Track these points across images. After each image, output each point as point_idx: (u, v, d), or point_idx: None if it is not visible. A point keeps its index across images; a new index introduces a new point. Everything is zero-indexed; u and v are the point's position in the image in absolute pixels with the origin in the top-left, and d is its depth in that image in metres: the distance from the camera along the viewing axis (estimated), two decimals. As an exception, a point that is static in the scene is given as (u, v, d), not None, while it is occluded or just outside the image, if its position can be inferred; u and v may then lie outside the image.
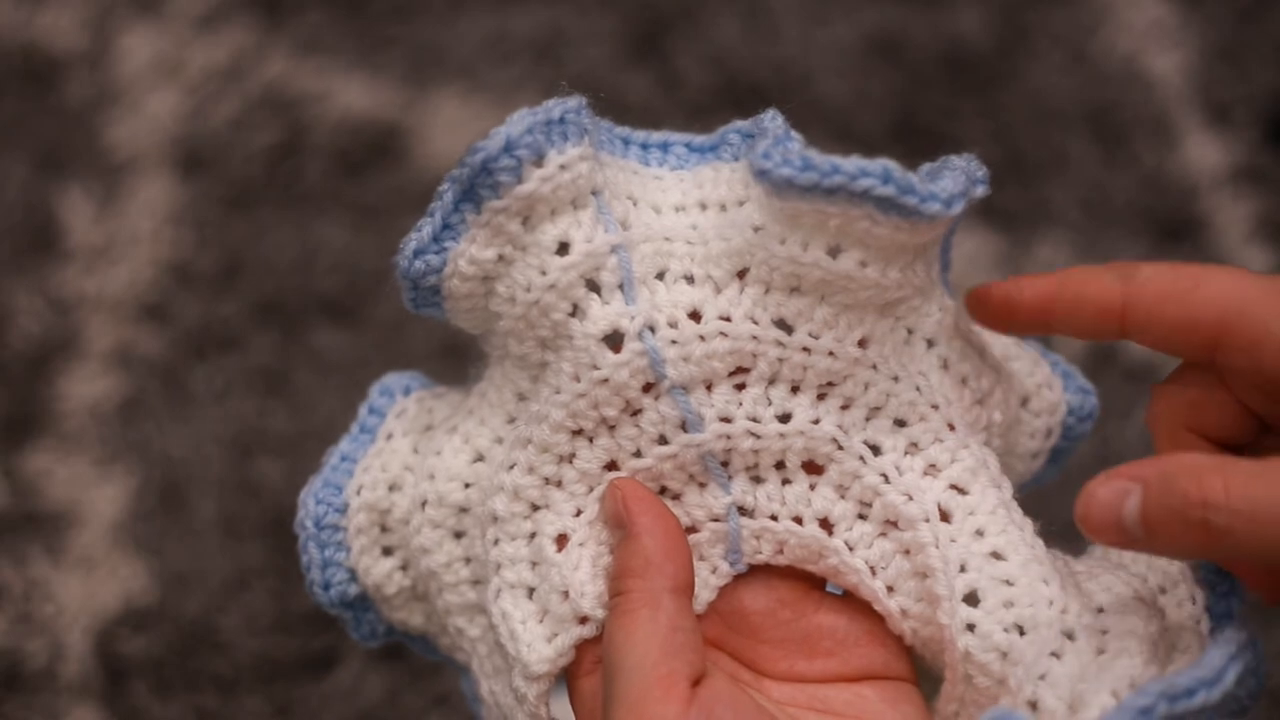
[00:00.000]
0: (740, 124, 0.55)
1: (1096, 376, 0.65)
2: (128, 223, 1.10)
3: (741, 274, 0.52)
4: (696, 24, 1.18)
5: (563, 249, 0.51)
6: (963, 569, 0.51)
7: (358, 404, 0.58)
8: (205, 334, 1.05)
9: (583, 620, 0.52)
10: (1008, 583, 0.51)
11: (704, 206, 0.54)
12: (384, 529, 0.57)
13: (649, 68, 1.16)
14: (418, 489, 0.56)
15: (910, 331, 0.53)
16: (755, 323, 0.52)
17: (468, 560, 0.56)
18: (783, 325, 0.52)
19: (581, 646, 0.52)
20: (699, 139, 0.56)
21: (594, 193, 0.51)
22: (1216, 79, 1.16)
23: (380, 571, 0.57)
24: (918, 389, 0.53)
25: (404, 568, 0.57)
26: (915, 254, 0.52)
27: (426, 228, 0.52)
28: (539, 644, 0.52)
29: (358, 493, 0.57)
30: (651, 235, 0.52)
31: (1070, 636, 0.50)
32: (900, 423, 0.53)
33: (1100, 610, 0.52)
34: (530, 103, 0.51)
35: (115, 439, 1.01)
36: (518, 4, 1.19)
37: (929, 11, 1.19)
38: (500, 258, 0.52)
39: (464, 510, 0.55)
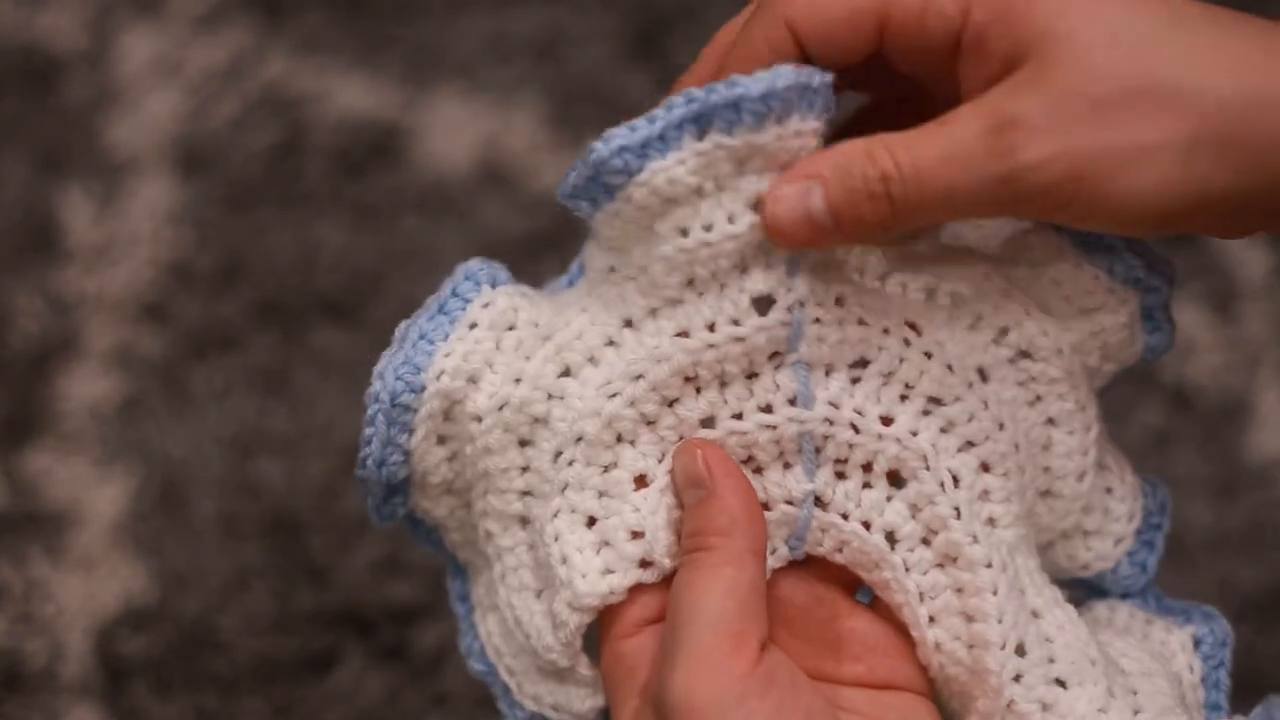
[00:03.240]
0: None
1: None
2: (128, 223, 1.10)
3: (883, 276, 0.54)
4: (696, 24, 1.18)
5: (758, 206, 0.51)
6: (1014, 622, 0.52)
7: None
8: (205, 334, 1.05)
9: (645, 565, 0.52)
10: (1048, 639, 0.52)
11: None
12: (447, 417, 0.55)
13: (649, 68, 1.16)
14: (500, 390, 0.54)
15: (1052, 421, 0.55)
16: (888, 317, 0.53)
17: (524, 470, 0.55)
18: (913, 327, 0.53)
19: (626, 608, 0.52)
20: None
21: None
22: (1216, 79, 1.16)
23: (432, 459, 0.56)
24: (1017, 447, 0.54)
25: (451, 459, 0.56)
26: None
27: (641, 131, 0.50)
28: (593, 575, 0.52)
29: (437, 378, 0.54)
30: None
31: (1112, 694, 0.51)
32: (985, 467, 0.53)
33: (1123, 673, 0.53)
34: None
35: (115, 439, 1.01)
36: (518, 4, 1.19)
37: (929, 11, 1.19)
38: (698, 190, 0.51)
39: (538, 421, 0.54)
